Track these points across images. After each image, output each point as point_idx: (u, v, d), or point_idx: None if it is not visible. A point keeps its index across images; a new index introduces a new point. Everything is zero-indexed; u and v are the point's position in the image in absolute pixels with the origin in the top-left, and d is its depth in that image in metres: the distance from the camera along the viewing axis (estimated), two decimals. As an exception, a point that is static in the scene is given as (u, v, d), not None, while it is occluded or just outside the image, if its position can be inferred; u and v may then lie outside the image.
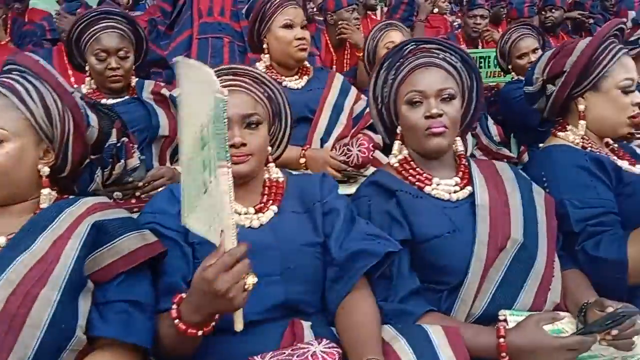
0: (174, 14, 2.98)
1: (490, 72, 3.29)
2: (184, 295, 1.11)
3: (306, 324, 1.29)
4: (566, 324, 1.33)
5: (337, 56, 3.55)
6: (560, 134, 1.72)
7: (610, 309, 1.22)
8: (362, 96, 2.39)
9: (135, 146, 1.44)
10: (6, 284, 1.07)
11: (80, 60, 2.19)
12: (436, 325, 1.25)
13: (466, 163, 1.57)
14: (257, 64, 2.39)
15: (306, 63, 2.46)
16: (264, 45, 2.33)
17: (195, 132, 1.01)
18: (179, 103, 1.09)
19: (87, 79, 2.21)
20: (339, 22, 3.45)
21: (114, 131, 1.32)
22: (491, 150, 2.99)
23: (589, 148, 1.65)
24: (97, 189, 1.34)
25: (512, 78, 3.05)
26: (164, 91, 2.20)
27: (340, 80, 2.45)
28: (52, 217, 1.18)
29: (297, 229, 1.36)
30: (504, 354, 1.23)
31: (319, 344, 1.17)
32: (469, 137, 3.07)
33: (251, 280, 1.04)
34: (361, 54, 3.00)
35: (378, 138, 2.61)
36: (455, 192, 1.49)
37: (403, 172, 1.53)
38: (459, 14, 3.98)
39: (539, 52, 3.08)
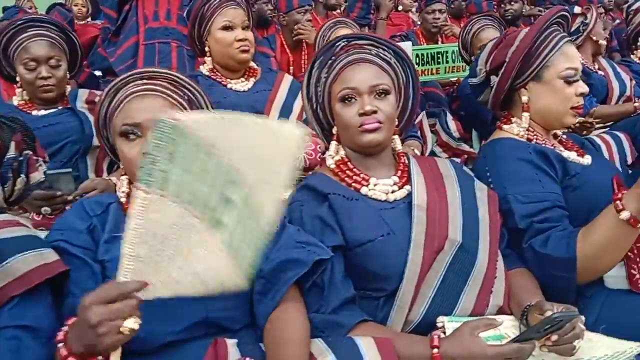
0: (119, 20, 2.87)
1: (450, 67, 3.22)
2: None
3: (231, 342, 1.19)
4: (509, 329, 1.25)
5: (294, 57, 3.47)
6: (505, 126, 1.65)
7: (548, 313, 1.15)
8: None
9: (41, 160, 1.34)
10: None
11: (10, 70, 2.09)
12: (368, 337, 1.17)
13: (406, 161, 1.49)
14: (201, 67, 2.31)
15: (254, 64, 2.38)
16: (206, 48, 2.25)
17: None
18: None
19: (19, 90, 2.10)
20: (293, 24, 3.37)
21: (13, 144, 1.22)
22: (451, 147, 2.94)
23: (534, 140, 1.58)
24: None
25: (472, 71, 2.98)
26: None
27: (289, 80, 2.37)
28: None
29: None
30: None
31: None
32: (429, 134, 3.04)
33: (130, 324, 0.92)
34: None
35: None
36: (393, 192, 1.42)
37: (339, 173, 1.45)
38: (417, 11, 3.91)
39: None
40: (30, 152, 1.27)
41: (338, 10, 4.16)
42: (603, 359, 1.19)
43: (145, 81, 1.32)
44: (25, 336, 1.06)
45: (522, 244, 1.42)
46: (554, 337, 1.12)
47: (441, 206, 1.36)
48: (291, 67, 3.44)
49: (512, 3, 4.00)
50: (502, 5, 4.00)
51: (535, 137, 1.59)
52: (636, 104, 2.82)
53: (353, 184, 1.42)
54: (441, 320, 1.26)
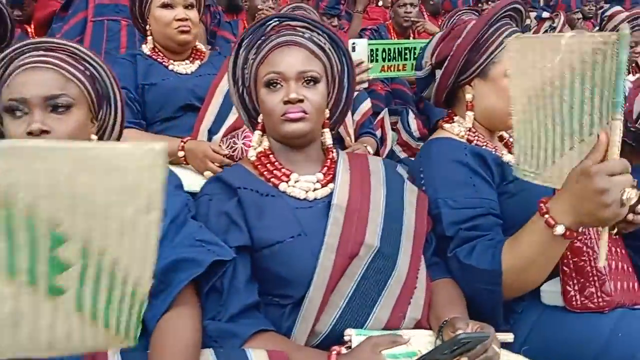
0: (69, -6, 2.72)
1: (417, 64, 3.10)
2: None
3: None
4: (424, 345, 1.14)
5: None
6: (446, 125, 1.53)
7: (460, 332, 1.04)
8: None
9: None
10: None
11: None
12: (261, 350, 1.06)
13: (334, 157, 1.38)
14: (143, 46, 2.16)
15: (201, 46, 2.25)
16: (147, 27, 2.11)
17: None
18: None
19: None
20: (254, 10, 3.23)
21: None
22: (410, 146, 2.84)
23: (474, 141, 1.47)
24: None
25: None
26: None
27: (238, 65, 2.23)
28: None
29: None
30: None
31: None
32: (389, 132, 2.93)
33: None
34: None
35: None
36: (314, 190, 1.30)
37: (259, 166, 1.33)
38: (389, 5, 3.80)
39: None
40: None
41: (311, -1, 4.03)
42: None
43: (41, 52, 1.19)
44: None
45: (448, 252, 1.31)
46: (464, 359, 1.01)
47: (362, 208, 1.25)
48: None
49: (490, 3, 3.90)
50: (480, 5, 3.90)
51: (476, 138, 1.47)
52: None
53: (272, 179, 1.30)
54: (349, 333, 1.14)
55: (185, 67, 2.12)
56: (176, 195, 1.24)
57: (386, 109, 3.03)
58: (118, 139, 1.38)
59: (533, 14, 4.07)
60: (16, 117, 1.13)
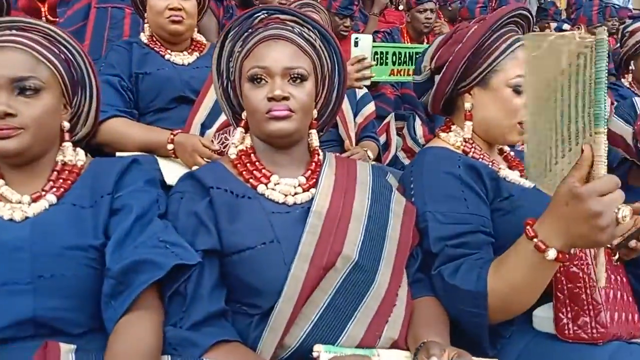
0: (75, -22, 2.67)
1: (428, 68, 3.02)
2: None
3: (66, 348, 1.00)
4: (398, 368, 1.06)
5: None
6: (442, 134, 1.44)
7: (433, 358, 0.95)
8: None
9: None
10: None
11: None
12: (219, 361, 0.98)
13: (320, 160, 1.30)
14: (141, 34, 2.11)
15: (201, 38, 2.18)
16: (145, 14, 2.05)
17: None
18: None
19: None
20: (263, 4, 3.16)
21: None
22: (415, 152, 2.74)
23: (471, 153, 1.38)
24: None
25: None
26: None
27: (238, 60, 2.16)
28: None
29: (64, 228, 1.08)
30: None
31: None
32: (394, 137, 2.84)
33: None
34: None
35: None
36: (295, 194, 1.22)
37: (238, 165, 1.26)
38: (406, 9, 3.70)
39: None
40: None
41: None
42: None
43: (13, 32, 1.13)
44: None
45: (432, 270, 1.22)
46: None
47: (343, 217, 1.17)
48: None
49: (507, 10, 3.78)
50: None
51: (472, 149, 1.38)
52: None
53: (250, 180, 1.23)
54: (317, 349, 1.05)
55: (182, 58, 2.06)
56: (145, 191, 1.18)
57: (393, 113, 2.94)
58: (93, 126, 1.32)
59: (553, 25, 3.97)
60: None
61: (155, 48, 2.04)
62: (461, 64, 1.36)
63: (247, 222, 1.14)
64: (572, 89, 0.97)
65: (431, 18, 3.61)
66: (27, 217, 1.08)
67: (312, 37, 1.28)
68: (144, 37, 2.07)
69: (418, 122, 2.84)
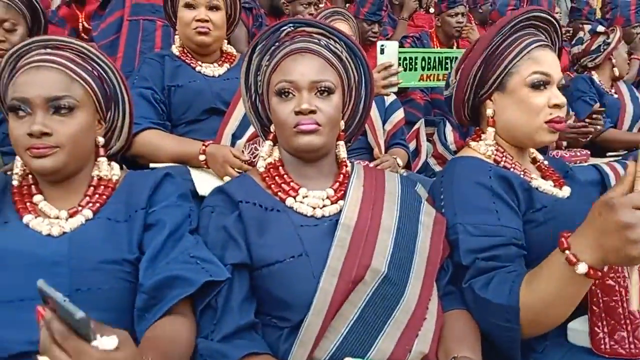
0: (108, -8, 2.74)
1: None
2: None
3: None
4: (429, 382, 1.06)
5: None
6: (472, 143, 1.43)
7: None
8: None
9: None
10: None
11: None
12: (249, 374, 0.99)
13: (348, 172, 1.30)
14: (172, 47, 2.15)
15: (232, 50, 2.21)
16: (177, 27, 2.09)
17: None
18: None
19: (-23, 53, 1.98)
20: (294, 15, 3.19)
21: None
22: (446, 159, 2.72)
23: (502, 162, 1.36)
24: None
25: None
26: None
27: (268, 71, 2.18)
28: None
29: (100, 242, 1.10)
30: None
31: None
32: (424, 143, 2.82)
33: None
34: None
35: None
36: (323, 206, 1.22)
37: (267, 178, 1.27)
38: (436, 13, 3.66)
39: None
40: None
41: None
42: None
43: (48, 50, 1.17)
44: None
45: (463, 283, 1.21)
46: None
47: (371, 229, 1.17)
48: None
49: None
50: (529, 14, 3.70)
51: (504, 158, 1.36)
52: None
53: (279, 193, 1.24)
54: (346, 363, 1.06)
55: (213, 70, 2.09)
56: (178, 206, 1.20)
57: (422, 119, 2.92)
58: (126, 140, 1.35)
59: (587, 27, 3.87)
60: (19, 116, 1.11)
61: (186, 60, 2.07)
62: (473, 70, 1.36)
63: (275, 235, 1.15)
64: None
65: (462, 22, 3.57)
66: (64, 232, 1.11)
67: (338, 49, 1.28)
68: (175, 50, 2.11)
69: (449, 127, 2.81)
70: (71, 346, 0.71)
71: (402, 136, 2.48)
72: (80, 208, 1.16)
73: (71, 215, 1.14)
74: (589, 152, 2.62)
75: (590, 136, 2.59)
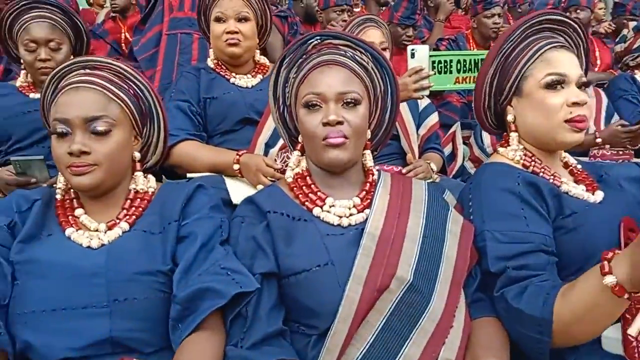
0: (147, 8, 2.84)
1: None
2: None
3: (139, 364, 1.09)
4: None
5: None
6: (501, 149, 1.42)
7: None
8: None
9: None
10: None
11: (17, 51, 2.08)
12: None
13: (374, 180, 1.32)
14: (207, 59, 2.21)
15: (265, 61, 2.26)
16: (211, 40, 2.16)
17: None
18: None
19: (23, 71, 2.10)
20: (327, 22, 3.22)
21: None
22: (482, 162, 2.67)
23: (531, 167, 1.34)
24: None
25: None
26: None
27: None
28: None
29: (136, 254, 1.16)
30: None
31: None
32: (460, 146, 2.80)
33: None
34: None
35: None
36: (350, 215, 1.25)
37: (295, 189, 1.30)
38: (472, 15, 3.62)
39: None
40: None
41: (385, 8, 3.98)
42: None
43: (87, 71, 1.24)
44: None
45: (494, 291, 1.20)
46: None
47: (397, 238, 1.18)
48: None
49: (579, 11, 3.62)
50: (568, 14, 3.62)
51: (532, 162, 1.35)
52: None
53: (306, 203, 1.27)
54: (373, 370, 1.08)
55: (246, 81, 2.14)
56: (210, 218, 1.24)
57: (459, 122, 2.90)
58: (162, 154, 1.40)
59: (632, 24, 3.75)
60: (60, 136, 1.17)
61: (220, 72, 2.13)
62: (487, 79, 1.38)
63: (302, 244, 1.18)
64: None
65: (499, 23, 3.52)
66: (103, 245, 1.17)
67: (364, 60, 1.30)
68: (210, 62, 2.17)
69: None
70: None
71: (436, 140, 2.47)
72: (117, 221, 1.22)
73: (109, 228, 1.20)
74: (632, 152, 2.55)
75: None
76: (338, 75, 1.25)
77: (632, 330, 0.94)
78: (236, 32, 2.04)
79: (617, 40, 3.40)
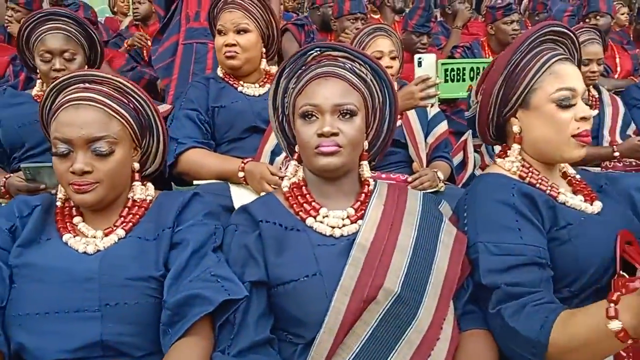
0: (165, 19, 2.90)
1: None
2: None
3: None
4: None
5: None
6: (498, 160, 1.41)
7: None
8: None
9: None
10: None
11: (33, 62, 2.15)
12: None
13: (370, 191, 1.33)
14: (218, 69, 2.25)
15: (272, 70, 2.29)
16: (221, 50, 2.20)
17: None
18: None
19: (39, 81, 2.16)
20: (341, 31, 3.25)
21: None
22: (492, 172, 2.66)
23: (527, 178, 1.33)
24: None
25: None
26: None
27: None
28: None
29: (129, 260, 1.19)
30: None
31: None
32: (471, 154, 2.78)
33: None
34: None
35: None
36: (343, 226, 1.26)
37: (290, 198, 1.32)
38: (490, 21, 3.59)
39: (602, 66, 2.74)
40: None
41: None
42: None
43: (86, 86, 1.26)
44: None
45: (490, 307, 1.18)
46: None
47: (386, 249, 1.19)
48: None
49: (599, 18, 3.56)
50: (587, 21, 3.57)
51: (529, 174, 1.34)
52: None
53: (300, 212, 1.28)
54: (357, 380, 1.08)
55: (254, 90, 2.17)
56: (203, 224, 1.26)
57: (470, 130, 2.88)
58: (161, 164, 1.43)
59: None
60: (61, 154, 1.21)
61: (229, 82, 2.17)
62: (495, 90, 1.35)
63: (292, 255, 1.19)
64: None
65: (518, 29, 3.50)
66: (98, 250, 1.20)
67: (363, 72, 1.31)
68: (219, 72, 2.21)
69: (496, 139, 2.75)
70: None
71: (445, 149, 2.46)
72: (114, 228, 1.25)
73: (106, 235, 1.24)
74: (644, 164, 2.50)
75: None
76: (335, 87, 1.27)
77: None
78: (234, 45, 2.08)
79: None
